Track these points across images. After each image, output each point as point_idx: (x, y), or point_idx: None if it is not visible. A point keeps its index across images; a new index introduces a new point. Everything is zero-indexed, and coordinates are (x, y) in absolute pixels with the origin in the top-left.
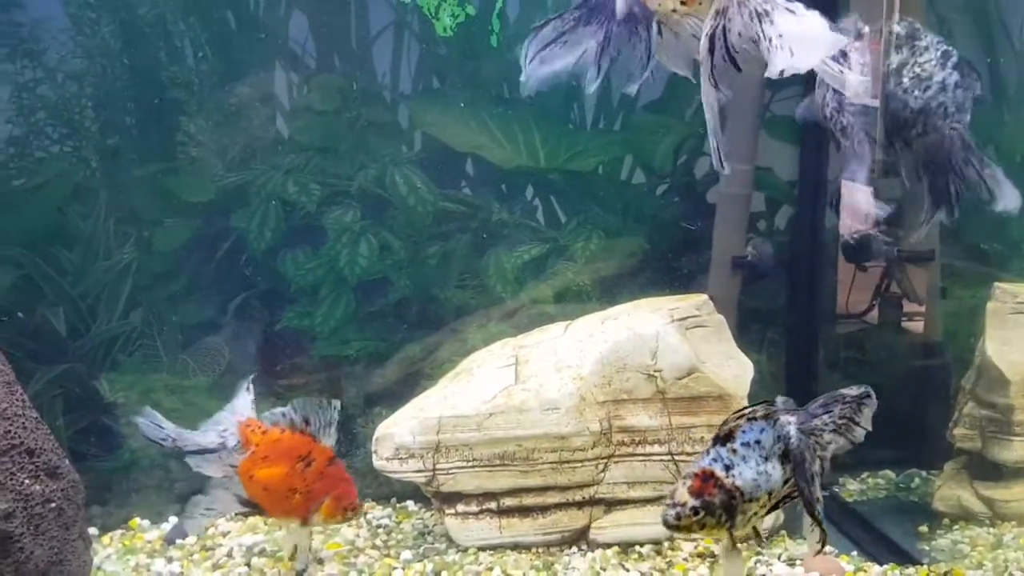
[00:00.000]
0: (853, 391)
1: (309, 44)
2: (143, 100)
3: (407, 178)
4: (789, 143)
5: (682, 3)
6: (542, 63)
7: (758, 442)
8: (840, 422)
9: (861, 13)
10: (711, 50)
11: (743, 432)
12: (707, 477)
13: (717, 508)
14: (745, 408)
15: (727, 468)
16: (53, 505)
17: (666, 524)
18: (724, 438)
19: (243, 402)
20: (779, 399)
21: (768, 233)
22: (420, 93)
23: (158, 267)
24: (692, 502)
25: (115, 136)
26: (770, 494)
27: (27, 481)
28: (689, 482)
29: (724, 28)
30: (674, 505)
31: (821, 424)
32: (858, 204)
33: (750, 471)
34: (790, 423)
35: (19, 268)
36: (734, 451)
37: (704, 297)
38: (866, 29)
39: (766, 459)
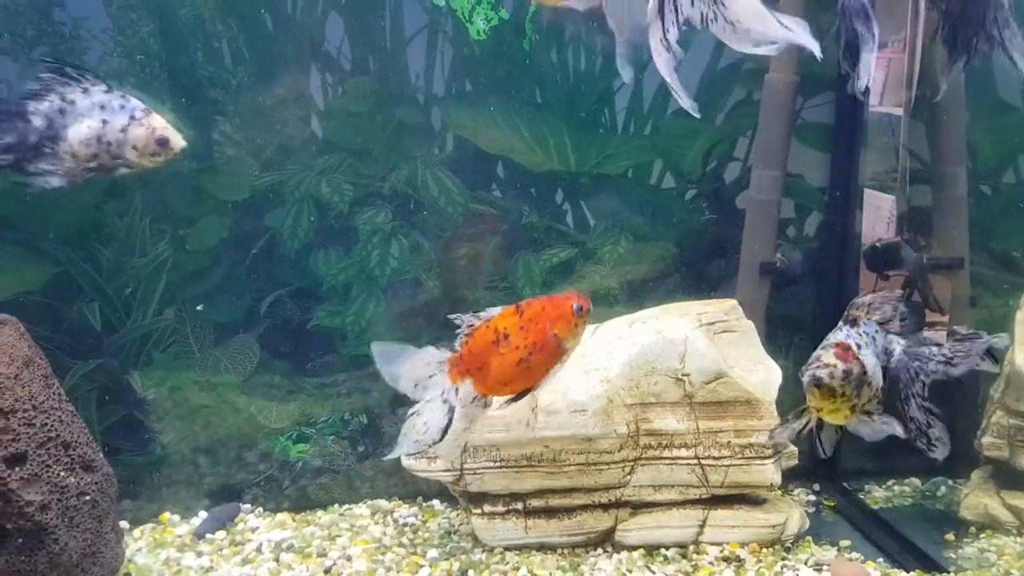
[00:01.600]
0: (983, 339)
1: (344, 46)
2: (180, 99)
3: (438, 180)
4: (820, 150)
5: None
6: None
7: (873, 338)
8: (955, 356)
9: (884, 20)
10: (661, 17)
11: (865, 323)
12: (847, 348)
13: (854, 378)
14: (868, 300)
15: (858, 347)
16: (87, 498)
17: (817, 383)
18: (852, 322)
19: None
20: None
21: (797, 240)
22: (453, 96)
23: (192, 265)
24: (841, 365)
25: None
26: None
27: (63, 473)
28: (833, 349)
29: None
30: (824, 366)
31: (930, 354)
32: (881, 211)
33: (871, 357)
34: (899, 343)
35: (57, 264)
36: (860, 334)
37: (733, 302)
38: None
39: (876, 356)
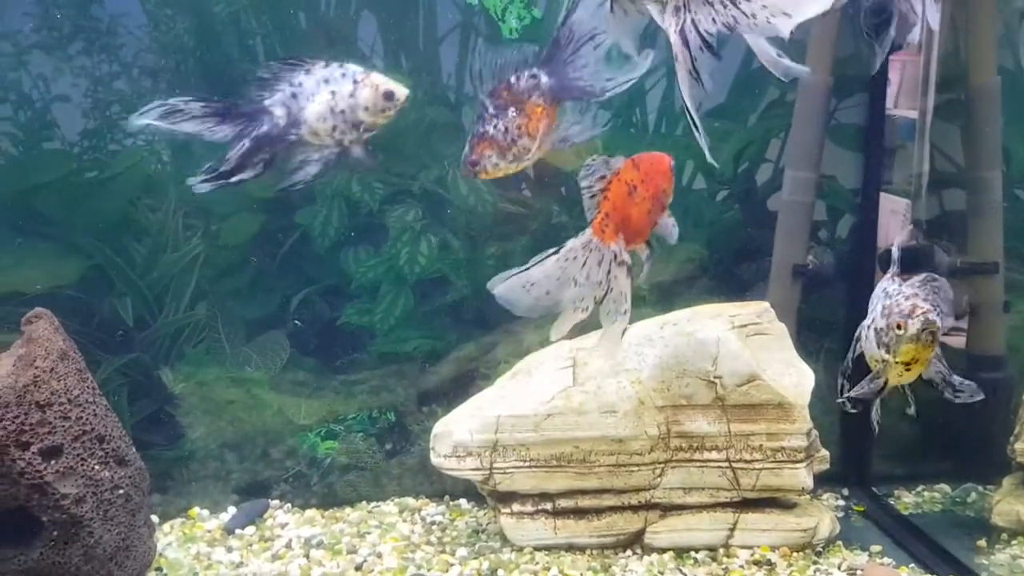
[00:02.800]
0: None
1: (377, 44)
2: (215, 95)
3: (469, 179)
4: (853, 151)
5: None
6: None
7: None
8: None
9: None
10: (686, 44)
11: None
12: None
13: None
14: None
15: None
16: (121, 491)
17: (930, 327)
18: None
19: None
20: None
21: (829, 242)
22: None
23: (224, 261)
24: (935, 312)
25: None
26: None
27: (97, 467)
28: (922, 297)
29: (693, 21)
30: (930, 311)
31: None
32: (895, 215)
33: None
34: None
35: (89, 258)
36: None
37: (765, 305)
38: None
39: None
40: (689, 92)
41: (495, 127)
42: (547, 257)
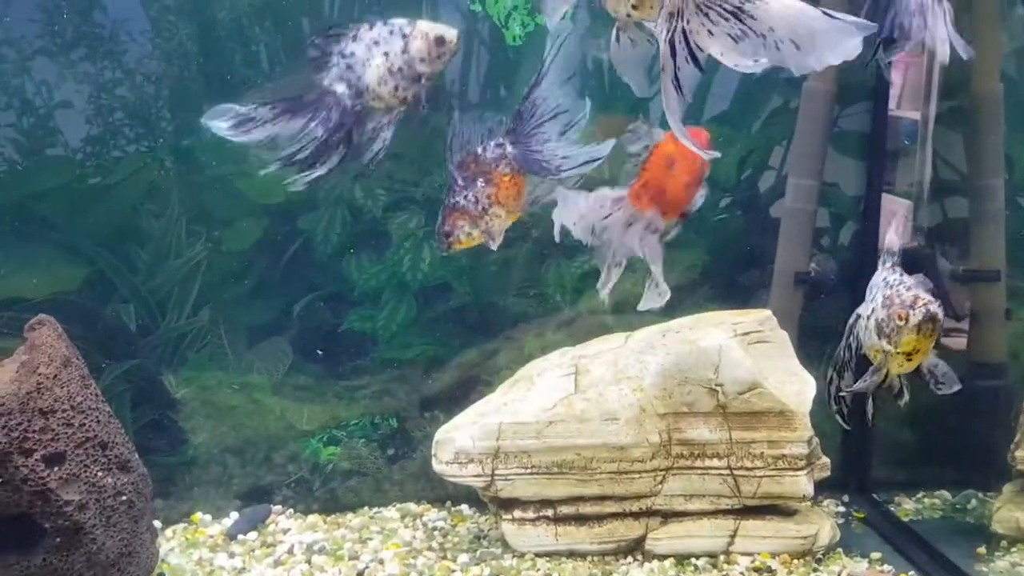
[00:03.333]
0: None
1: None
2: (217, 102)
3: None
4: (856, 159)
5: (634, 8)
6: None
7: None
8: None
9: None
10: (672, 54)
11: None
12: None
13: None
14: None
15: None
16: (124, 498)
17: (932, 318)
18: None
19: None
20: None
21: (832, 249)
22: (487, 101)
23: (227, 267)
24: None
25: (189, 137)
26: None
27: (100, 473)
28: (921, 288)
29: (683, 31)
30: (931, 302)
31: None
32: (897, 216)
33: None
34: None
35: (92, 264)
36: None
37: (767, 312)
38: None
39: None
40: (669, 102)
41: (466, 198)
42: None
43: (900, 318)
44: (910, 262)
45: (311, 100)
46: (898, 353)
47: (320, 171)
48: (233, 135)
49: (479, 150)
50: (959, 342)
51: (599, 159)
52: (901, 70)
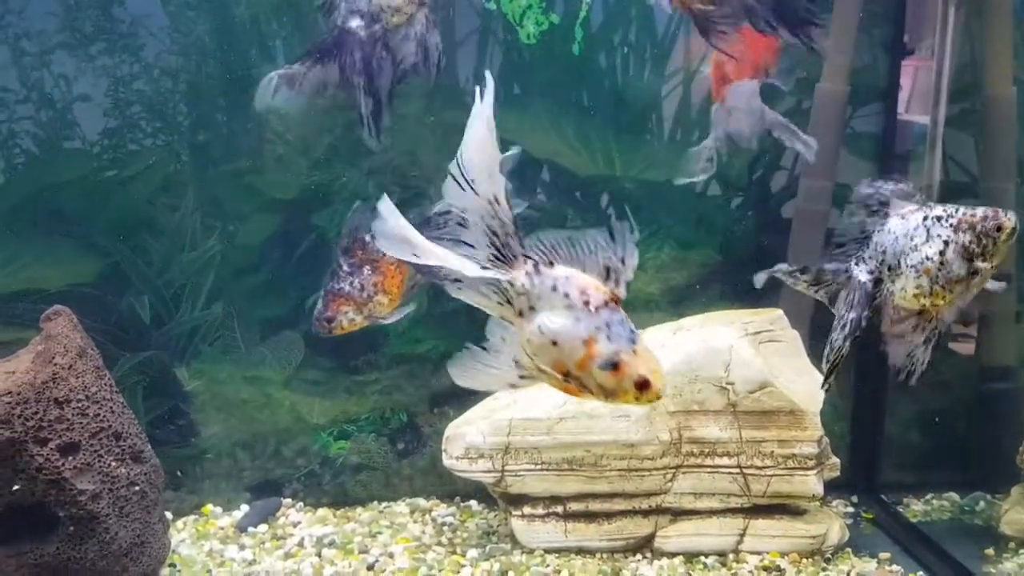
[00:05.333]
0: None
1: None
2: (234, 97)
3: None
4: (868, 160)
5: None
6: None
7: None
8: None
9: (912, 27)
10: None
11: None
12: None
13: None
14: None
15: None
16: (137, 488)
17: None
18: None
19: None
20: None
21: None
22: (500, 99)
23: (241, 260)
24: None
25: (205, 132)
26: None
27: (113, 464)
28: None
29: None
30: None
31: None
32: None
33: None
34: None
35: (108, 256)
36: None
37: (779, 312)
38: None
39: None
40: None
41: (351, 284)
42: None
43: (997, 229)
44: None
45: (331, 41)
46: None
47: (381, 108)
48: (289, 99)
49: (367, 238)
50: (967, 347)
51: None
52: (910, 74)
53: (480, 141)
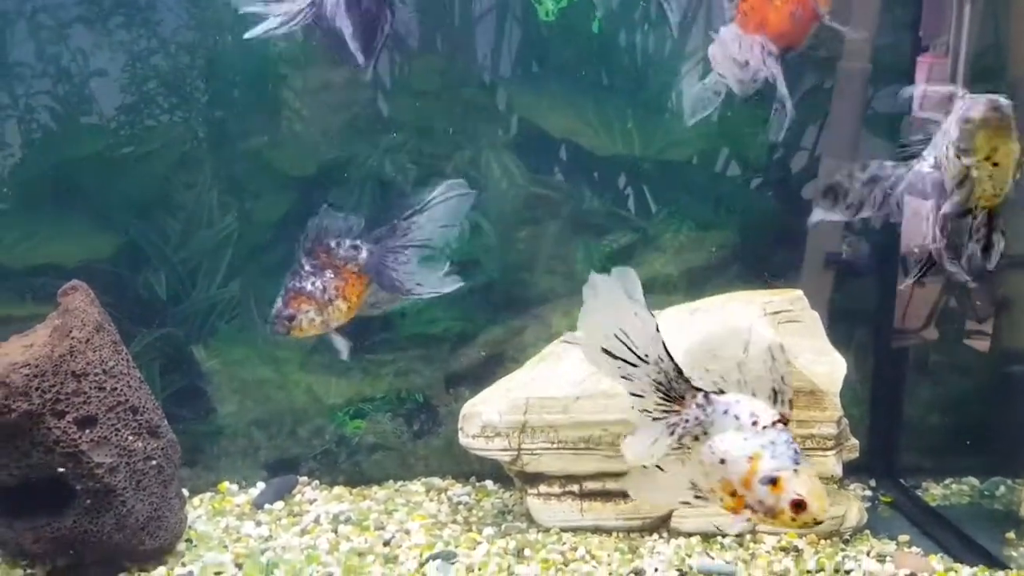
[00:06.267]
0: None
1: (413, 23)
2: (251, 74)
3: (501, 161)
4: (890, 140)
5: None
6: None
7: None
8: None
9: (926, 24)
10: None
11: None
12: None
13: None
14: None
15: None
16: (154, 463)
17: (994, 106)
18: None
19: None
20: None
21: (864, 232)
22: (519, 77)
23: (258, 238)
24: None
25: (222, 108)
26: None
27: (130, 438)
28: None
29: None
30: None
31: None
32: (919, 217)
33: None
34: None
35: (124, 233)
36: None
37: (798, 292)
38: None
39: None
40: None
41: (314, 284)
42: None
43: (967, 121)
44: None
45: None
46: (982, 161)
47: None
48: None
49: (332, 243)
50: (982, 344)
51: (442, 292)
52: (924, 71)
53: (640, 322)
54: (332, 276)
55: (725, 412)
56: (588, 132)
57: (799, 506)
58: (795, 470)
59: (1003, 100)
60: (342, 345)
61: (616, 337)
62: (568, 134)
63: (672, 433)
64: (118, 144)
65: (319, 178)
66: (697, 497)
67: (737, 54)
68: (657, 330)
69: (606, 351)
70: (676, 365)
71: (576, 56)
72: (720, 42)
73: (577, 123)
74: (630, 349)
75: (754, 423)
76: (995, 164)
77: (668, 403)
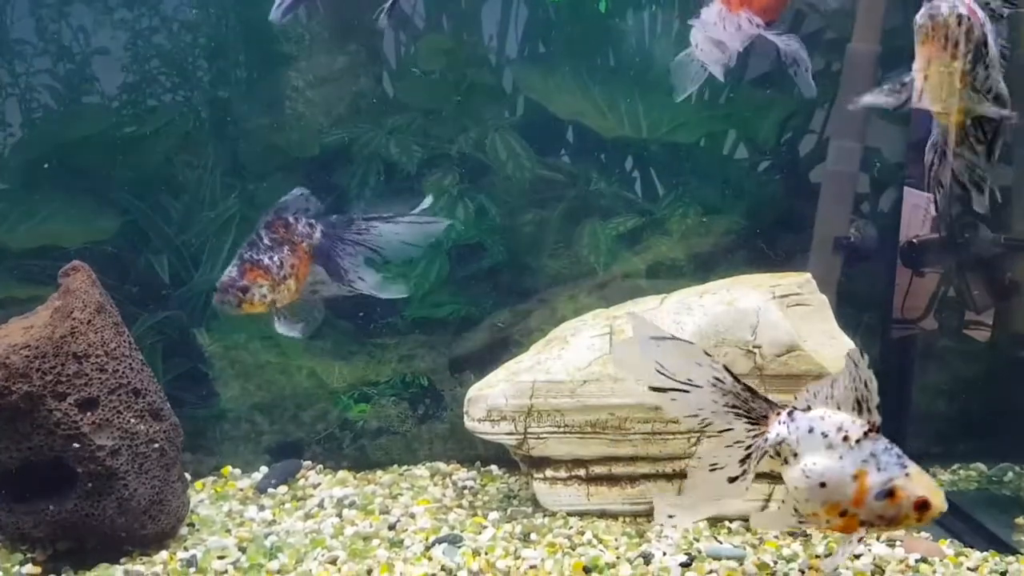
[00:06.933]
0: None
1: (419, 4)
2: (254, 54)
3: (507, 143)
4: (899, 124)
5: None
6: None
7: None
8: None
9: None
10: None
11: None
12: None
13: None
14: None
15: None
16: (156, 446)
17: (933, 14)
18: None
19: None
20: None
21: (872, 215)
22: (525, 58)
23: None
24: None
25: (225, 88)
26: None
27: (132, 420)
28: None
29: None
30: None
31: None
32: (918, 209)
33: (991, 28)
34: None
35: (126, 214)
36: None
37: (807, 276)
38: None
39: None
40: None
41: (271, 259)
42: None
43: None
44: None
45: None
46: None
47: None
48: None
49: (291, 219)
50: (982, 335)
51: (385, 296)
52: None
53: (675, 348)
54: (288, 253)
55: (810, 431)
56: (595, 114)
57: (923, 507)
58: (907, 474)
59: (959, 8)
60: (290, 328)
61: (657, 372)
62: (575, 116)
63: (750, 456)
64: (120, 124)
65: (323, 159)
66: (801, 523)
67: (722, 35)
68: (706, 354)
69: (654, 388)
70: (745, 385)
71: (583, 37)
72: (702, 23)
73: (584, 104)
74: (670, 378)
75: (844, 439)
76: (927, 79)
77: (755, 426)
